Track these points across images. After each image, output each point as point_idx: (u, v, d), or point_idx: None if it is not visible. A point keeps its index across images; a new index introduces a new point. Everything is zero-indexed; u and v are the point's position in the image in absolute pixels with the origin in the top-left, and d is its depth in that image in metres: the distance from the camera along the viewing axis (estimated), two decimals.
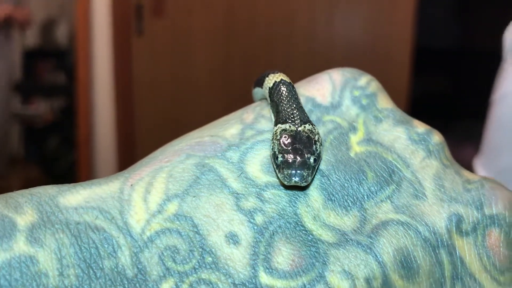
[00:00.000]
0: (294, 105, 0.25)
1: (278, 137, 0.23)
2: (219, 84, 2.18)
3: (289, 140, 0.23)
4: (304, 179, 0.22)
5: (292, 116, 0.24)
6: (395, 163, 0.23)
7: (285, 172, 0.22)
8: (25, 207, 0.19)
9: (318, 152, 0.23)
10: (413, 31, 2.01)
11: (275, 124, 0.24)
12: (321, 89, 0.26)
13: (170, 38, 2.19)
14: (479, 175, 0.25)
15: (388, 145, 0.24)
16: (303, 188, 0.22)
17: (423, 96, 2.47)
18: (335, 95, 0.26)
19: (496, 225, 0.22)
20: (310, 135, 0.23)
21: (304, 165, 0.22)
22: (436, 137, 0.25)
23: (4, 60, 2.48)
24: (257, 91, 0.29)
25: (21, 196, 0.19)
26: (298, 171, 0.21)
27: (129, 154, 2.31)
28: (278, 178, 0.23)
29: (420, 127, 0.25)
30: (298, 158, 0.22)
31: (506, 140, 0.57)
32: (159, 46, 2.21)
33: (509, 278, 0.22)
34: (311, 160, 0.22)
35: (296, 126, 0.24)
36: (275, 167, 0.22)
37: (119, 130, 2.27)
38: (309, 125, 0.24)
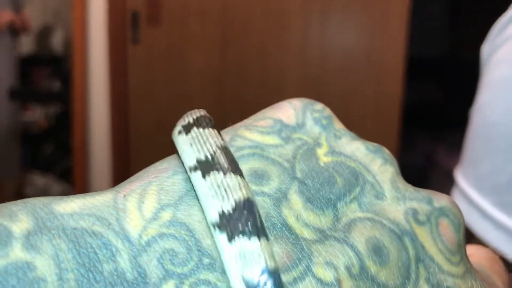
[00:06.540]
0: None
1: None
2: (214, 92, 2.20)
3: None
4: None
5: None
6: (358, 169, 0.26)
7: None
8: (20, 214, 0.19)
9: None
10: (406, 40, 2.04)
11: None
12: (285, 112, 0.28)
13: (165, 46, 2.20)
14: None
15: (350, 155, 0.27)
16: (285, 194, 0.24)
17: (416, 104, 2.50)
18: (298, 116, 0.28)
19: (444, 215, 0.26)
20: None
21: None
22: (387, 150, 0.28)
23: (8, 65, 2.47)
24: None
25: (15, 205, 0.19)
26: None
27: (124, 161, 2.31)
28: None
29: (373, 143, 0.29)
30: None
31: (482, 149, 0.59)
32: (154, 54, 2.22)
33: (459, 258, 0.25)
34: None
35: None
36: None
37: (115, 137, 2.28)
38: None
